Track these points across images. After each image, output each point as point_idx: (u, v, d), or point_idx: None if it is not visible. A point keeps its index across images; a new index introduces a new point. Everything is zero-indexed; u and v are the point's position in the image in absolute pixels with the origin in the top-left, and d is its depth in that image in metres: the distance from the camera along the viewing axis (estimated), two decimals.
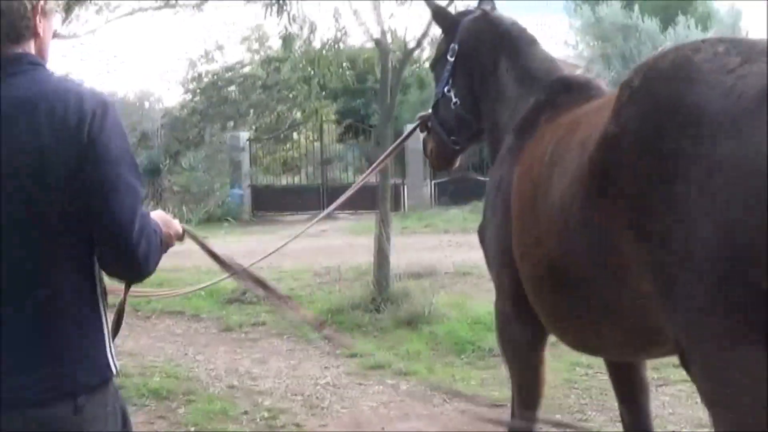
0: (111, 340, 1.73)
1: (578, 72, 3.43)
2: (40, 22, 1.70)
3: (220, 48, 21.82)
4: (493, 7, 3.29)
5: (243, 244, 10.70)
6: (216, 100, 20.67)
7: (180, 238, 2.06)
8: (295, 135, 21.50)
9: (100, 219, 1.63)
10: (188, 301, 7.64)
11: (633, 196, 1.83)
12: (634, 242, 1.85)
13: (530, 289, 2.53)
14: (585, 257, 2.09)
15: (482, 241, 2.97)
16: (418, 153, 14.33)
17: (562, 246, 2.21)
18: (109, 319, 1.75)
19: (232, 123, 20.26)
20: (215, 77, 21.19)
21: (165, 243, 1.88)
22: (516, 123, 2.86)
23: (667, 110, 1.76)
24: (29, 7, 1.67)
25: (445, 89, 3.19)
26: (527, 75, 2.96)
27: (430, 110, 3.37)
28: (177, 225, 2.03)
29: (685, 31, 16.26)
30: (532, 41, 3.10)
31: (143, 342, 6.63)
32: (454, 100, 3.16)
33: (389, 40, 7.76)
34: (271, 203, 18.74)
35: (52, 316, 1.62)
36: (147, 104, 23.29)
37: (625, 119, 1.88)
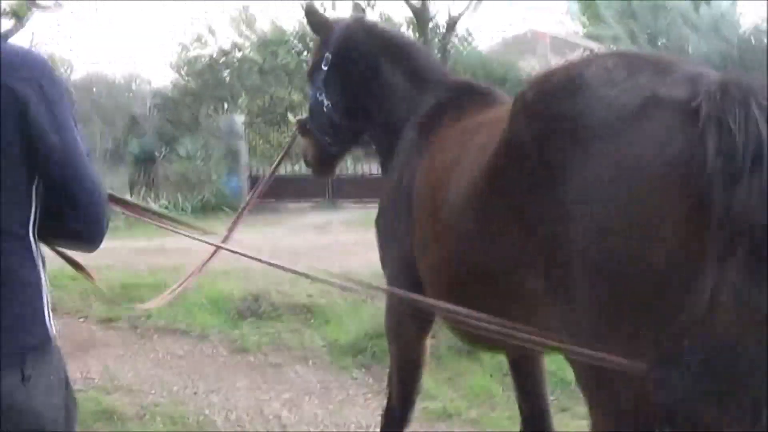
0: (49, 304, 1.67)
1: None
2: None
3: (212, 32, 20.86)
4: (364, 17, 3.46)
5: (247, 239, 9.49)
6: (211, 83, 19.58)
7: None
8: (291, 118, 20.31)
9: (66, 187, 1.60)
10: (193, 317, 6.44)
11: (524, 201, 1.94)
12: (523, 245, 1.98)
13: (428, 286, 2.60)
14: (480, 257, 2.19)
15: (379, 232, 3.03)
16: None
17: (459, 245, 2.32)
18: (47, 286, 1.67)
19: (225, 105, 19.15)
20: (211, 60, 20.11)
21: None
22: (419, 120, 2.95)
23: (555, 120, 1.87)
24: None
25: (318, 95, 3.25)
26: (420, 76, 3.09)
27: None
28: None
29: (717, 10, 15.25)
30: (415, 45, 3.33)
31: (141, 370, 5.43)
32: (326, 103, 3.22)
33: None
34: (270, 191, 17.43)
35: None
36: (134, 86, 21.96)
37: (519, 128, 1.99)
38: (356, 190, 15.44)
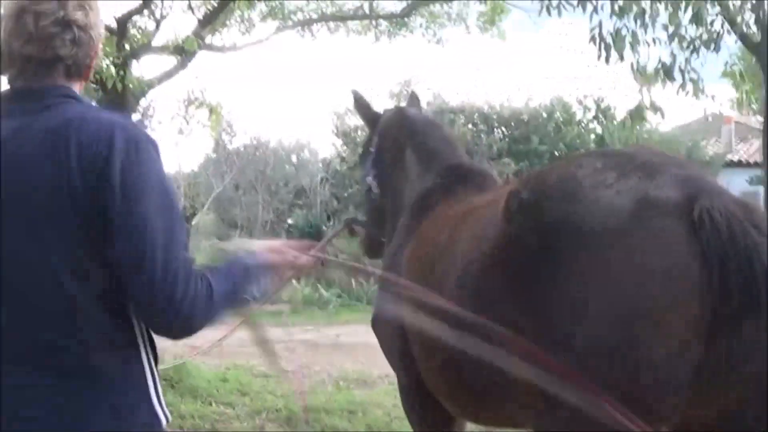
0: (158, 391, 1.59)
1: None
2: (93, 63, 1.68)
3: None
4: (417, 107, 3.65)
5: None
6: None
7: (300, 267, 1.92)
8: None
9: (122, 260, 1.49)
10: None
11: (527, 296, 1.98)
12: (522, 330, 1.96)
13: (425, 373, 2.64)
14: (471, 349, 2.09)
15: (376, 326, 3.00)
16: None
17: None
18: (155, 371, 1.60)
19: None
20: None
21: (270, 274, 1.76)
22: (413, 201, 3.01)
23: (555, 223, 1.94)
24: (94, 45, 1.64)
25: (368, 179, 3.34)
26: (426, 155, 3.15)
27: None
28: (292, 252, 1.86)
29: None
30: (435, 125, 3.43)
31: None
32: (375, 190, 3.30)
33: None
34: None
35: (80, 369, 1.51)
36: (300, 155, 21.13)
37: (517, 227, 2.05)
38: None
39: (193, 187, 18.28)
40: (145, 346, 1.60)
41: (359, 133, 18.03)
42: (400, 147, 3.21)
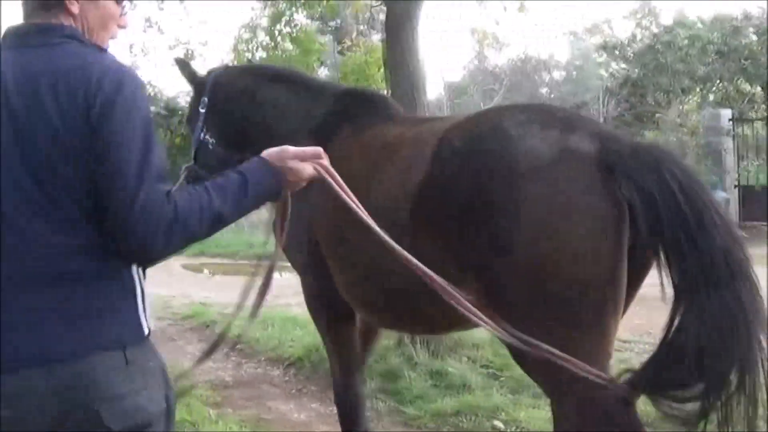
0: (146, 305, 1.70)
1: None
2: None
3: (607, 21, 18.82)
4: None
5: None
6: (653, 68, 16.96)
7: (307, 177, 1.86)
8: None
9: (100, 189, 1.58)
10: None
11: (455, 232, 2.24)
12: (454, 268, 2.22)
13: (343, 290, 2.88)
14: (404, 274, 2.15)
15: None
16: None
17: (375, 263, 2.51)
18: (144, 285, 1.71)
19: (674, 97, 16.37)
20: (654, 39, 17.70)
21: (276, 181, 1.79)
22: (312, 130, 3.08)
23: (487, 168, 2.18)
24: None
25: (202, 136, 3.42)
26: (302, 88, 3.32)
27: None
28: (298, 163, 1.83)
29: None
30: (294, 70, 3.89)
31: None
32: (211, 141, 3.39)
33: None
34: (763, 210, 12.13)
35: (79, 288, 1.60)
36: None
37: (448, 167, 2.30)
38: None
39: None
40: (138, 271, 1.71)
41: None
42: (253, 90, 3.39)
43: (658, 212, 1.99)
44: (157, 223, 1.56)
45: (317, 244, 2.90)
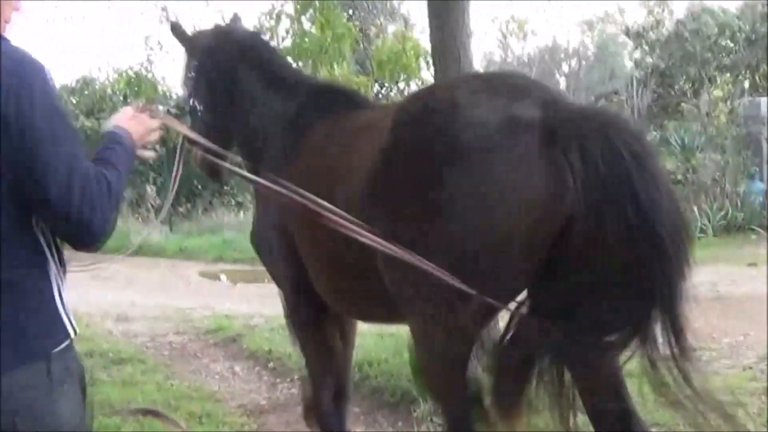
0: (64, 303, 1.73)
1: None
2: None
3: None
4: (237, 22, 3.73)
5: None
6: (680, 57, 16.51)
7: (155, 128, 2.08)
8: None
9: (24, 183, 1.61)
10: None
11: (405, 200, 2.27)
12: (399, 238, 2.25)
13: (316, 279, 2.92)
14: (360, 254, 2.39)
15: (258, 239, 3.28)
16: None
17: (342, 243, 2.46)
18: (62, 284, 1.74)
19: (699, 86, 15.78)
20: (681, 27, 17.28)
21: (134, 147, 1.92)
22: (286, 124, 3.13)
23: (435, 135, 2.22)
24: None
25: (191, 101, 3.41)
26: (277, 81, 3.27)
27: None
28: (146, 119, 2.04)
29: None
30: (272, 50, 3.61)
31: None
32: (199, 108, 3.37)
33: None
34: None
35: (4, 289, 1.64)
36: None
37: (402, 138, 2.34)
38: None
39: None
40: (52, 256, 1.72)
41: None
42: (233, 70, 3.33)
43: (601, 177, 1.98)
44: (100, 202, 1.64)
45: (292, 237, 2.96)
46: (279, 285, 3.27)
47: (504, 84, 2.32)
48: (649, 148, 2.10)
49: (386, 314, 2.77)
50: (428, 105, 2.35)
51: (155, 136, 2.09)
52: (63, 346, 1.71)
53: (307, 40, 6.64)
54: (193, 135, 2.54)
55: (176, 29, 3.65)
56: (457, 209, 2.14)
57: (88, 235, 1.68)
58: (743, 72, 16.48)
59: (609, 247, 2.01)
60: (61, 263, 1.78)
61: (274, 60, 3.42)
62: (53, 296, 1.72)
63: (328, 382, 3.25)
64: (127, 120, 1.98)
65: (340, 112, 3.00)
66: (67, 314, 1.74)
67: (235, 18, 3.76)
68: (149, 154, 2.15)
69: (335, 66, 6.65)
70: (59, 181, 1.59)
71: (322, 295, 2.97)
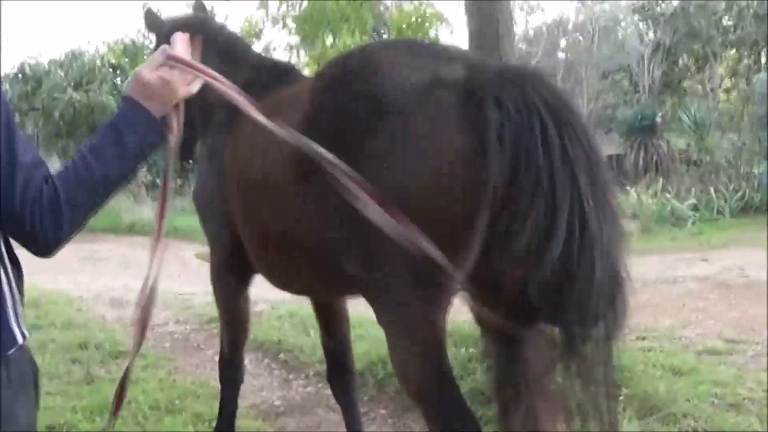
0: (17, 309, 1.67)
1: None
2: None
3: None
4: (206, 12, 3.81)
5: None
6: (684, 33, 16.02)
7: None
8: None
9: None
10: None
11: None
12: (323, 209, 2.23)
13: (250, 247, 2.88)
14: (292, 223, 2.42)
15: (198, 204, 3.34)
16: None
17: (273, 213, 2.54)
18: (13, 288, 1.66)
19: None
20: (686, 2, 16.82)
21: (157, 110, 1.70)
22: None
23: (357, 98, 2.17)
24: None
25: None
26: (230, 58, 3.24)
27: None
28: (175, 74, 1.75)
29: None
30: (232, 35, 3.60)
31: None
32: None
33: None
34: None
35: None
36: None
37: (323, 104, 2.29)
38: None
39: None
40: (3, 264, 1.66)
41: None
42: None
43: (516, 129, 1.94)
44: (41, 210, 1.56)
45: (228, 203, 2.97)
46: (211, 247, 3.31)
47: (426, 48, 2.36)
48: (567, 100, 2.03)
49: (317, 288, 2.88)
50: (348, 69, 2.31)
51: (191, 89, 1.80)
52: (13, 349, 1.65)
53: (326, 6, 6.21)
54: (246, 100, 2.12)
55: (149, 17, 3.64)
56: (382, 173, 2.04)
57: (37, 244, 1.61)
58: (750, 49, 16.17)
59: (526, 205, 1.91)
60: (15, 264, 1.70)
61: (229, 40, 3.44)
62: (2, 297, 1.65)
63: (238, 357, 3.54)
64: (141, 82, 1.70)
65: (275, 86, 3.00)
66: (17, 316, 1.67)
67: (199, 5, 3.78)
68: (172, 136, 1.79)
69: (356, 33, 6.21)
70: (11, 194, 1.54)
71: (254, 262, 2.96)
